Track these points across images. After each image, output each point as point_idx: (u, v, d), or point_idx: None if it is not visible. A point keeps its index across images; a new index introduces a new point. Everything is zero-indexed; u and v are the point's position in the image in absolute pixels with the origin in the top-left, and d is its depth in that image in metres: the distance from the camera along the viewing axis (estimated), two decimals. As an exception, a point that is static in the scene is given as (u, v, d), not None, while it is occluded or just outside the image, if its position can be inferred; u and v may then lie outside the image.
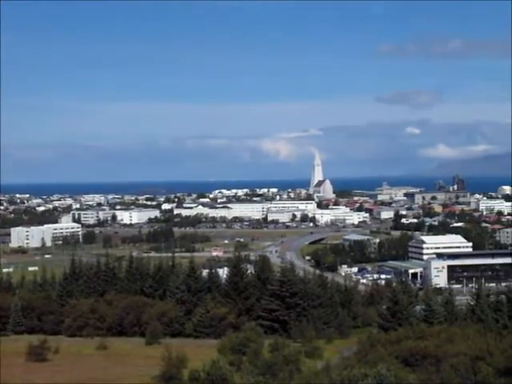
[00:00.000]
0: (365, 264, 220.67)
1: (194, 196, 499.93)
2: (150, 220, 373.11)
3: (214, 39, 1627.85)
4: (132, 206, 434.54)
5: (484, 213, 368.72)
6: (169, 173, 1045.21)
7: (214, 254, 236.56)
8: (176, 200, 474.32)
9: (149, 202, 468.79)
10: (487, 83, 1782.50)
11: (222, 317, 63.58)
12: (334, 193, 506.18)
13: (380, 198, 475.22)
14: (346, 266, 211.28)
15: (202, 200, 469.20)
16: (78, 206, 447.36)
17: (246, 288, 69.16)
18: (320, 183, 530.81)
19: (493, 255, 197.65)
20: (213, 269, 78.87)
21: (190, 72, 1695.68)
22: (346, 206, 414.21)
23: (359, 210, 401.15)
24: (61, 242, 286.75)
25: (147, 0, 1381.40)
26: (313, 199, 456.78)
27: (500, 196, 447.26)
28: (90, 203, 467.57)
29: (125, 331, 66.06)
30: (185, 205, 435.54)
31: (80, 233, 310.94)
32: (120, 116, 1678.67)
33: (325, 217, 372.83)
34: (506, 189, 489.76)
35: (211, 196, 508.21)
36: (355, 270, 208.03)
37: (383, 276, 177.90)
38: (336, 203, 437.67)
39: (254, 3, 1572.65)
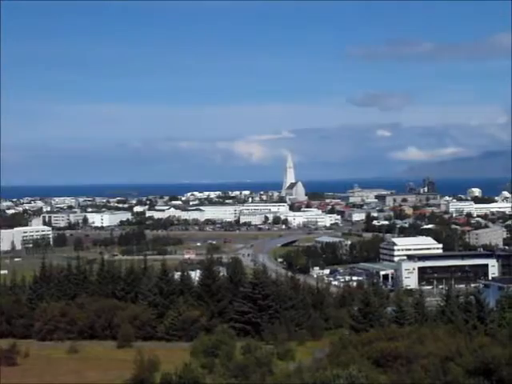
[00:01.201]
0: (337, 266, 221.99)
1: (166, 198, 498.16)
2: (122, 223, 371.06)
3: (186, 41, 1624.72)
4: (103, 209, 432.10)
5: (454, 215, 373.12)
6: (141, 175, 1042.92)
7: (187, 256, 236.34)
8: (148, 202, 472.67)
9: (120, 205, 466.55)
10: (456, 86, 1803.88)
11: (194, 319, 63.33)
12: (306, 195, 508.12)
13: (352, 200, 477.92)
14: (317, 267, 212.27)
15: (174, 202, 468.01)
16: (48, 208, 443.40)
17: (219, 290, 69.04)
18: (292, 185, 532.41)
19: (462, 257, 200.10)
20: (185, 271, 78.47)
21: (163, 74, 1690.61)
22: (318, 209, 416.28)
23: (331, 212, 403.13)
24: (31, 246, 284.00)
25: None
26: (285, 201, 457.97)
27: (469, 198, 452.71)
28: (61, 206, 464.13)
29: (96, 335, 65.51)
30: (157, 207, 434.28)
31: (51, 236, 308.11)
32: (91, 118, 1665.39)
33: (297, 219, 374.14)
34: (475, 191, 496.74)
35: (183, 198, 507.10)
36: (327, 271, 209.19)
37: (355, 278, 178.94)
38: (308, 205, 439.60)
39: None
